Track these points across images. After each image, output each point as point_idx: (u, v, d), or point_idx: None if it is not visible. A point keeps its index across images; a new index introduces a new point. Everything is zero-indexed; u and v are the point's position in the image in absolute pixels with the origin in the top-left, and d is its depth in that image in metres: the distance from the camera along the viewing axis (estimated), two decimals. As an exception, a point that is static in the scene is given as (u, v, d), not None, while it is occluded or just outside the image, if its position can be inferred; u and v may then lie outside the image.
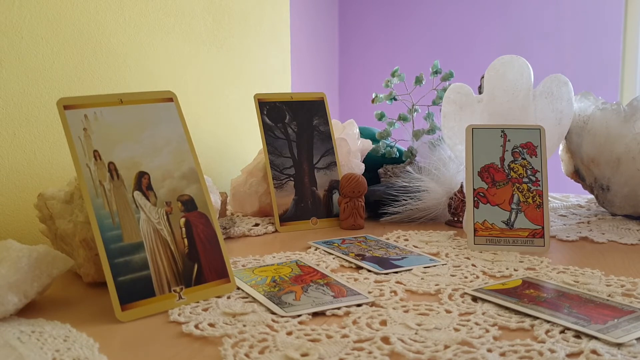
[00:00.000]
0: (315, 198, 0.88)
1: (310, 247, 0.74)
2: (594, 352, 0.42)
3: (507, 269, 0.63)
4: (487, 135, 0.74)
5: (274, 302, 0.52)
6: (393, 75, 1.03)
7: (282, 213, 0.85)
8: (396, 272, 0.62)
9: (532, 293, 0.54)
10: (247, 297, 0.54)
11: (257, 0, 1.26)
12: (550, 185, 0.78)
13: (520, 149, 0.73)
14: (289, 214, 0.86)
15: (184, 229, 0.55)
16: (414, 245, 0.73)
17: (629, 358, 0.41)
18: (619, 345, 0.43)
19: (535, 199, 0.72)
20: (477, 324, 0.47)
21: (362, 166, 0.95)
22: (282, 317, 0.49)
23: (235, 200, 0.93)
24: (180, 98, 0.62)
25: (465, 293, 0.55)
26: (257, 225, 0.86)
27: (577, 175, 0.94)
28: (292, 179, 0.87)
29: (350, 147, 0.94)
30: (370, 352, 0.42)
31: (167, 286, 0.52)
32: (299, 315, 0.49)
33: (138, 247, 0.52)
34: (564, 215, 0.92)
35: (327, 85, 2.69)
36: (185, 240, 0.54)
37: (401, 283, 0.58)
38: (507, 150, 0.73)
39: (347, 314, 0.50)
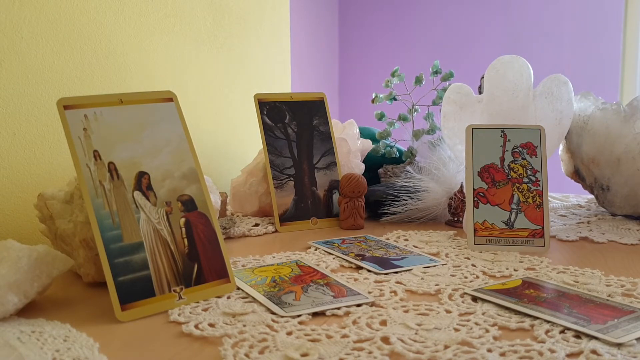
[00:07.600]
0: (315, 198, 0.88)
1: (310, 247, 0.74)
2: (594, 352, 0.42)
3: (507, 269, 0.63)
4: (487, 135, 0.74)
5: (274, 302, 0.52)
6: (393, 75, 1.03)
7: (282, 213, 0.85)
8: (396, 272, 0.62)
9: (532, 293, 0.54)
10: (247, 297, 0.54)
11: (257, 0, 1.26)
12: (550, 185, 0.78)
13: (520, 149, 0.73)
14: (289, 214, 0.86)
15: (184, 229, 0.55)
16: (414, 245, 0.73)
17: (629, 358, 0.41)
18: (619, 345, 0.43)
19: (535, 199, 0.72)
20: (477, 324, 0.47)
21: (362, 166, 0.95)
22: (282, 317, 0.49)
23: (235, 200, 0.93)
24: (180, 98, 0.62)
25: (465, 293, 0.55)
26: (257, 225, 0.86)
27: (577, 175, 0.94)
28: (292, 179, 0.87)
29: (350, 147, 0.94)
30: (370, 352, 0.42)
31: (167, 286, 0.52)
32: (299, 315, 0.49)
33: (138, 247, 0.52)
34: (564, 215, 0.92)
35: (327, 85, 2.68)
36: (185, 240, 0.54)
37: (401, 283, 0.58)
38: (507, 150, 0.73)
39: (347, 314, 0.50)
